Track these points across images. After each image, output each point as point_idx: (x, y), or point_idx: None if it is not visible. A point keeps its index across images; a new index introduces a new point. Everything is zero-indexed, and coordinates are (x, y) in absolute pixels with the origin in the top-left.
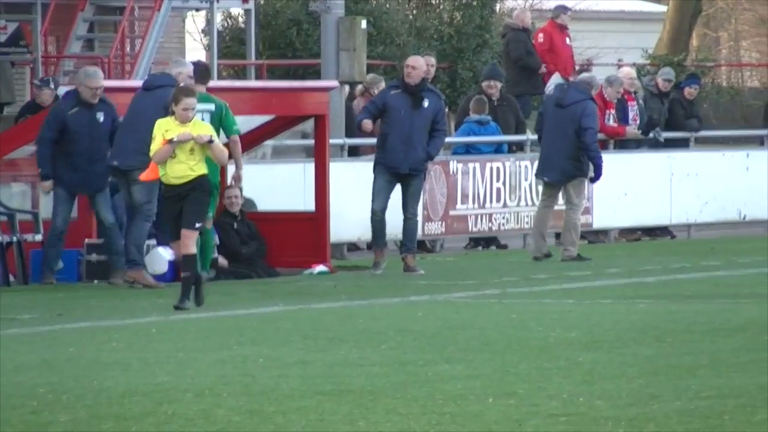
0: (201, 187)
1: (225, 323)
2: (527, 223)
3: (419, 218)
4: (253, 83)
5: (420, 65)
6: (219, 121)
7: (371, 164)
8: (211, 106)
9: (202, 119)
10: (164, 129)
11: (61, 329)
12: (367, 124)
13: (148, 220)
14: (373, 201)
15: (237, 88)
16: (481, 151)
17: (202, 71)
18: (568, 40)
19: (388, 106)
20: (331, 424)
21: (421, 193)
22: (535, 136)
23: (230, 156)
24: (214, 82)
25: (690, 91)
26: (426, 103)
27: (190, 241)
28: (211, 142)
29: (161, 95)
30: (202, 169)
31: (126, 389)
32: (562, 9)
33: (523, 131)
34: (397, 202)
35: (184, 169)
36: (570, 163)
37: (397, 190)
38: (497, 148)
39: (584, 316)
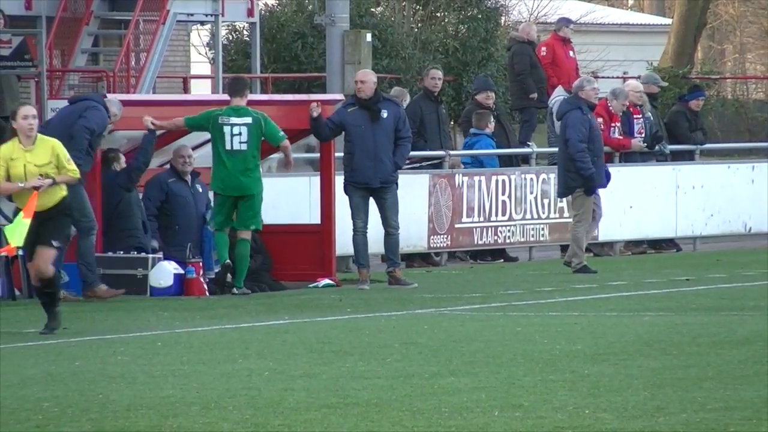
0: (62, 210)
1: (230, 336)
2: (533, 236)
3: (425, 231)
4: (258, 97)
5: (369, 78)
6: (259, 132)
7: None
8: (249, 120)
9: (240, 133)
10: (8, 157)
11: (66, 343)
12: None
13: (90, 232)
14: (354, 219)
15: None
16: (483, 165)
17: (238, 84)
18: (571, 53)
19: (346, 124)
20: None
21: (398, 203)
22: (540, 149)
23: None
24: (217, 95)
25: (697, 103)
26: (384, 114)
27: (47, 260)
28: (54, 183)
29: (77, 109)
30: (61, 192)
31: (131, 402)
32: (565, 22)
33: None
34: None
35: (43, 197)
36: (567, 175)
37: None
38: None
39: (589, 329)
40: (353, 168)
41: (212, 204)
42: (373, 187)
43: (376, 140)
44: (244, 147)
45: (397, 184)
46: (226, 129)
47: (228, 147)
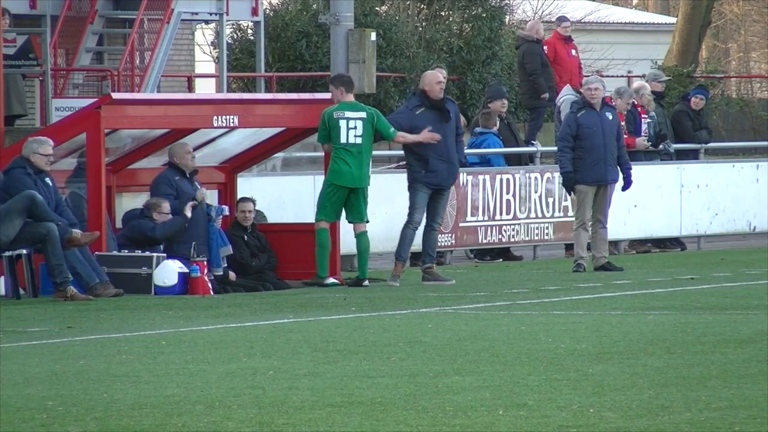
0: None
1: (235, 335)
2: (537, 234)
3: None
4: (262, 95)
5: (442, 79)
6: (372, 127)
7: (380, 176)
8: (363, 114)
9: (355, 127)
10: None
11: (71, 342)
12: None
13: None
14: (415, 213)
15: (247, 100)
16: (491, 163)
17: (348, 81)
18: (573, 51)
19: (416, 127)
20: None
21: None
22: (545, 148)
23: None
24: (221, 95)
25: (696, 101)
26: (451, 114)
27: None
28: None
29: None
30: None
31: (136, 401)
32: (561, 20)
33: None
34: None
35: None
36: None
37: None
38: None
39: (594, 328)
40: (429, 170)
41: (321, 196)
42: (445, 187)
43: (447, 141)
44: (359, 140)
45: None
46: (342, 123)
47: (344, 140)
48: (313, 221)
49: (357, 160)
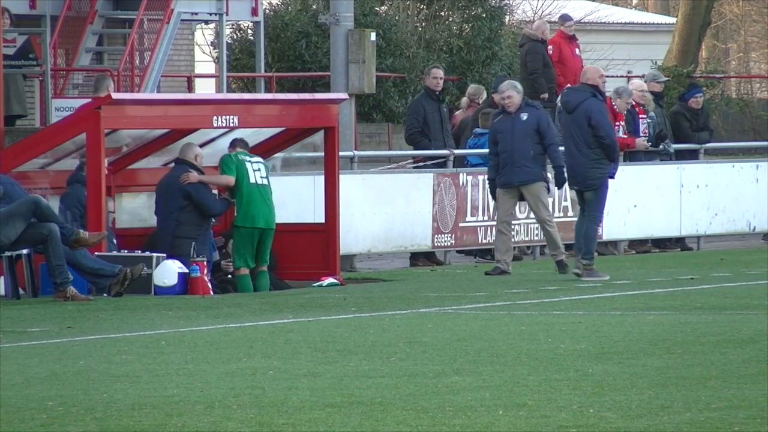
0: None
1: (235, 335)
2: (537, 235)
3: (429, 230)
4: (262, 96)
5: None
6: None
7: (380, 176)
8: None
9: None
10: None
11: (71, 342)
12: None
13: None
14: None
15: (246, 100)
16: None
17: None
18: (577, 50)
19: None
20: None
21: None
22: None
23: None
24: (221, 95)
25: (696, 101)
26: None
27: None
28: None
29: None
30: None
31: (136, 402)
32: (564, 18)
33: None
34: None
35: None
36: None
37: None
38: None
39: (594, 328)
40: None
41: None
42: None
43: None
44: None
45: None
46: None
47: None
48: (313, 221)
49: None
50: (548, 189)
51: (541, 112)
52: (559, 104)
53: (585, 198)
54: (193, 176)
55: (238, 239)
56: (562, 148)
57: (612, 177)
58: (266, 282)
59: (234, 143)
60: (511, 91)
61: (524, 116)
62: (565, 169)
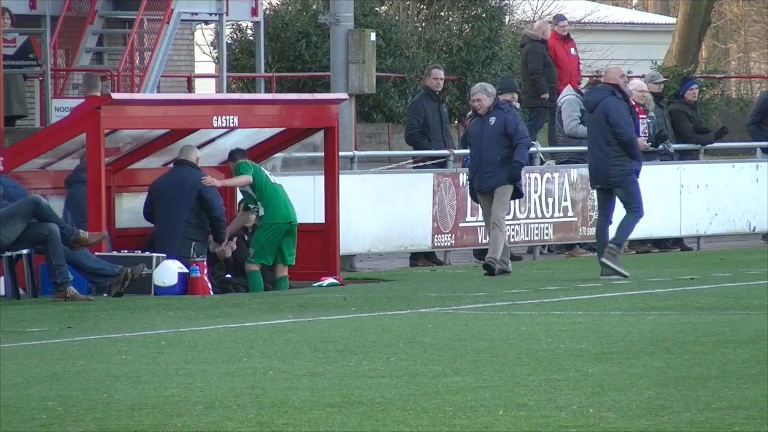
0: None
1: (234, 335)
2: (537, 235)
3: (429, 230)
4: (262, 96)
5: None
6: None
7: (380, 176)
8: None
9: None
10: None
11: (71, 342)
12: None
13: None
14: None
15: (246, 100)
16: None
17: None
18: (573, 50)
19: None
20: None
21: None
22: (545, 148)
23: None
24: (221, 95)
25: (692, 93)
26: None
27: None
28: None
29: None
30: None
31: (136, 402)
32: (558, 18)
33: None
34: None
35: None
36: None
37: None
38: None
39: (594, 328)
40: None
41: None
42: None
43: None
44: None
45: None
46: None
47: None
48: (313, 221)
49: None
50: (521, 193)
51: (509, 114)
52: (559, 106)
53: (618, 196)
54: (216, 180)
55: (264, 237)
56: (534, 149)
57: (637, 174)
58: (285, 286)
59: (233, 156)
60: (480, 94)
61: (492, 120)
62: (521, 167)
